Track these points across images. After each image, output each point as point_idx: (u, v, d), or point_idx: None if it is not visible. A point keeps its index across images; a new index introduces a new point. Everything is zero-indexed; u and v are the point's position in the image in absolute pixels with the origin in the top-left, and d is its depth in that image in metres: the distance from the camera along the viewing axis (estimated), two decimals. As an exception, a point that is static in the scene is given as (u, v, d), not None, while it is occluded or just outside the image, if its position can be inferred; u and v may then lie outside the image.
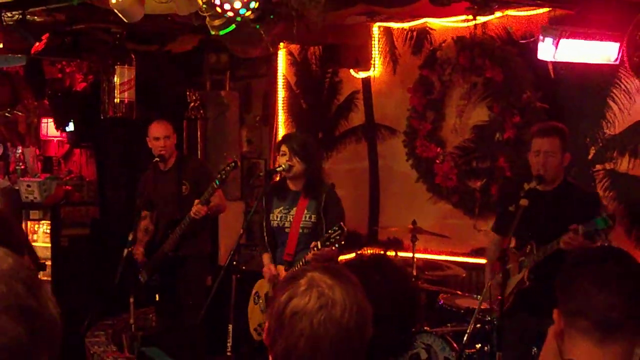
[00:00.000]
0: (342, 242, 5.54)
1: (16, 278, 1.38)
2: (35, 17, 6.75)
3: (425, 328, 6.19)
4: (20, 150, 10.63)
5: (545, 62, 6.64)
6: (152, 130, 7.09)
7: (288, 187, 6.04)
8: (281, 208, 6.04)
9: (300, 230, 5.91)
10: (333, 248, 5.55)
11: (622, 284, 2.28)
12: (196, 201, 6.74)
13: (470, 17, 6.69)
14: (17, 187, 9.61)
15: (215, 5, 5.08)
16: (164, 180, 7.13)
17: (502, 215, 5.76)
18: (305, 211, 5.92)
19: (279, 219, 6.03)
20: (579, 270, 2.36)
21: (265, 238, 6.16)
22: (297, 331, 2.02)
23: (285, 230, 5.99)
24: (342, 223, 5.59)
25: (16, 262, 1.42)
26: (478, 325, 5.89)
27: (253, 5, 5.11)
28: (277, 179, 6.38)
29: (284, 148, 5.97)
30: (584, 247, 4.75)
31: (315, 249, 5.59)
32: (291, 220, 5.96)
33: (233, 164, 6.63)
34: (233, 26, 5.41)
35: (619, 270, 2.32)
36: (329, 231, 5.57)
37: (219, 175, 6.60)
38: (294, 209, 5.96)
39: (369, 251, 8.04)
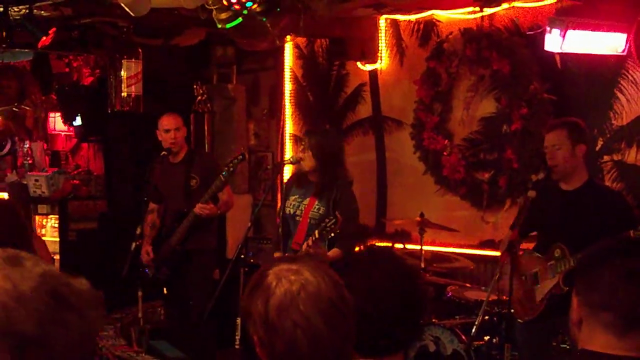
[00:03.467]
0: (338, 231, 5.65)
1: (27, 302, 1.36)
2: (42, 12, 6.75)
3: (434, 320, 6.19)
4: (27, 145, 10.64)
5: (552, 54, 6.62)
6: (162, 123, 7.09)
7: (307, 178, 6.10)
8: (296, 196, 6.12)
9: (309, 221, 5.95)
10: (331, 235, 5.67)
11: None
12: (202, 199, 6.76)
13: (477, 8, 6.69)
14: (25, 182, 9.63)
15: (222, -1, 5.08)
16: (174, 173, 7.13)
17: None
18: (317, 202, 5.96)
19: (292, 207, 6.11)
20: (604, 262, 2.34)
21: (280, 227, 6.22)
22: (290, 325, 2.02)
23: (296, 218, 6.06)
24: (337, 213, 5.68)
25: (42, 284, 1.39)
26: (486, 318, 5.89)
27: (259, -2, 5.12)
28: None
29: (304, 141, 6.07)
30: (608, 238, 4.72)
31: (312, 237, 5.71)
32: (303, 209, 6.02)
33: (241, 156, 6.64)
34: (239, 19, 5.41)
35: None
36: (325, 220, 5.67)
37: (226, 168, 6.60)
38: (308, 199, 6.01)
39: (376, 244, 8.07)
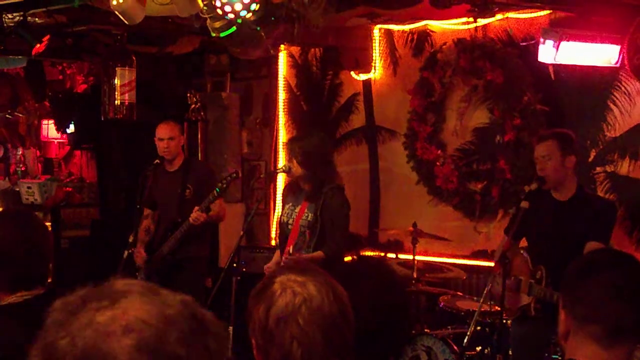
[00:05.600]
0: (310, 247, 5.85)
1: (175, 325, 1.40)
2: (36, 19, 6.75)
3: (426, 330, 6.19)
4: (20, 152, 10.64)
5: (545, 65, 6.63)
6: (157, 131, 7.11)
7: (299, 185, 6.11)
8: (290, 204, 6.14)
9: (299, 228, 5.96)
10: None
11: (634, 292, 2.33)
12: (196, 208, 6.75)
13: (471, 19, 6.70)
14: (17, 189, 9.62)
15: (216, 7, 5.08)
16: (169, 182, 7.12)
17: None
18: (306, 210, 5.97)
19: (286, 215, 6.13)
20: (590, 275, 2.38)
21: (278, 232, 6.33)
22: (288, 337, 2.03)
23: (288, 226, 6.07)
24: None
25: (184, 309, 1.44)
26: (478, 328, 5.89)
27: (254, 7, 5.11)
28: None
29: (288, 150, 6.09)
30: (592, 251, 4.75)
31: (288, 254, 5.80)
32: (294, 217, 6.03)
33: (235, 174, 6.69)
34: (234, 28, 5.41)
35: (630, 278, 2.37)
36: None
37: (220, 184, 6.63)
38: (299, 206, 6.02)
39: (367, 254, 8.06)
